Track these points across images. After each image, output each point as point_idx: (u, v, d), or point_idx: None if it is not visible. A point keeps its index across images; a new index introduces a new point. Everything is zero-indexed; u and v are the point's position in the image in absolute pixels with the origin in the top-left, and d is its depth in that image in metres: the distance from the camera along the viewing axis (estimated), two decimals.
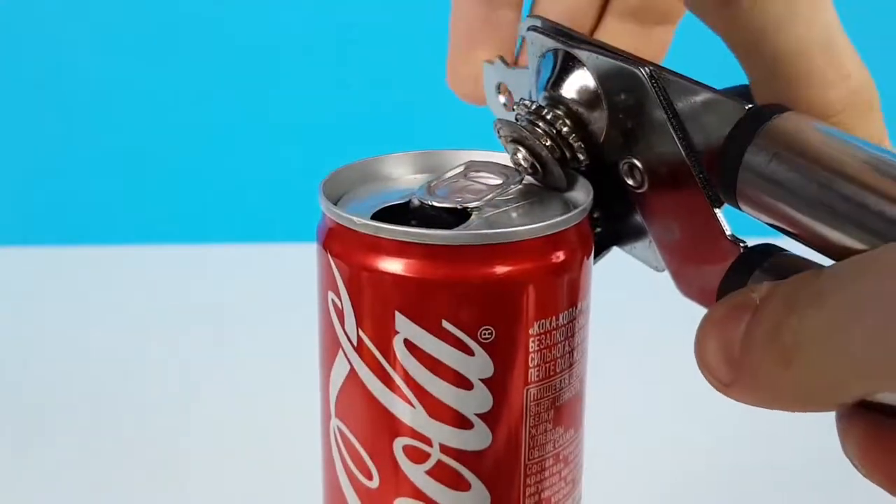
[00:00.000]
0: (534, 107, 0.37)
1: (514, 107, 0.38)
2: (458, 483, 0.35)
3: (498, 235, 0.33)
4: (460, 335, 0.33)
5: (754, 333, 0.28)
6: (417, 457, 0.35)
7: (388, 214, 0.36)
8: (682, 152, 0.33)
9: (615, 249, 0.39)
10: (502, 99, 0.41)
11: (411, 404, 0.34)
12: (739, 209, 0.32)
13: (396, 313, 0.33)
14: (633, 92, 0.34)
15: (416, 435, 0.34)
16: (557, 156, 0.36)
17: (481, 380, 0.34)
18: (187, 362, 0.73)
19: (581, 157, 0.36)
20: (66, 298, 0.84)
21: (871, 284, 0.25)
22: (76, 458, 0.62)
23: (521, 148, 0.37)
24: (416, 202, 0.36)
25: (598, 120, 0.36)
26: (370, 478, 0.36)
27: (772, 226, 0.31)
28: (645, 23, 0.40)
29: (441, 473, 0.35)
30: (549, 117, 0.36)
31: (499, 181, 0.37)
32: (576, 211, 0.35)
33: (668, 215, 0.35)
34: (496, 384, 0.34)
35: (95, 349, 0.75)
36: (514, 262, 0.33)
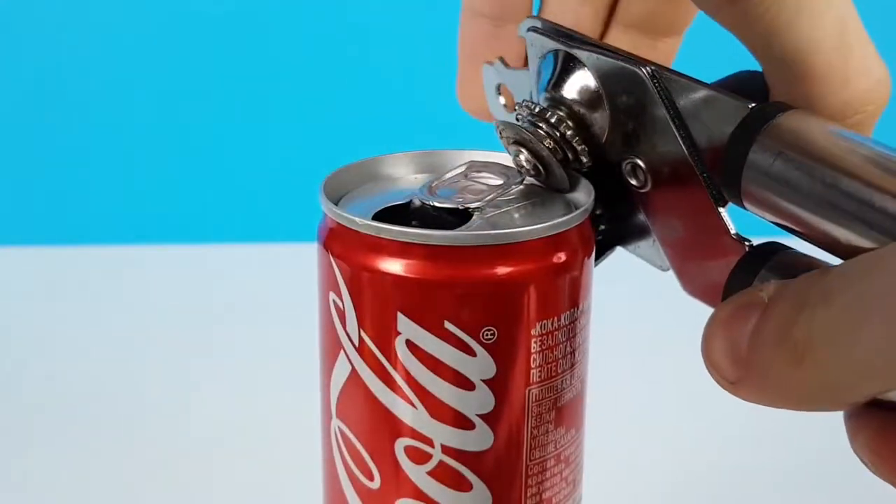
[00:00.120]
0: (535, 108, 0.37)
1: (516, 108, 0.38)
2: (459, 484, 0.35)
3: (501, 236, 0.33)
4: (462, 336, 0.33)
5: (763, 332, 0.28)
6: (419, 457, 0.35)
7: (389, 215, 0.36)
8: (685, 151, 0.33)
9: (619, 249, 0.39)
10: (502, 100, 0.41)
11: (413, 405, 0.34)
12: (743, 208, 0.32)
13: (398, 314, 0.33)
14: (635, 92, 0.34)
15: (417, 435, 0.34)
16: (559, 157, 0.36)
17: (483, 380, 0.34)
18: (187, 362, 0.73)
19: (583, 157, 0.36)
20: (66, 298, 0.84)
21: (879, 282, 0.25)
22: (76, 458, 0.62)
23: (522, 149, 0.37)
24: (417, 202, 0.36)
25: (600, 120, 0.35)
26: (371, 478, 0.36)
27: (776, 224, 0.31)
28: (650, 34, 0.40)
29: (443, 474, 0.35)
30: (550, 118, 0.36)
31: (500, 181, 0.37)
32: (577, 212, 0.35)
33: (671, 214, 0.35)
34: (498, 385, 0.34)
35: (95, 349, 0.75)
36: (516, 263, 0.33)
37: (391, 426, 0.35)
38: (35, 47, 0.99)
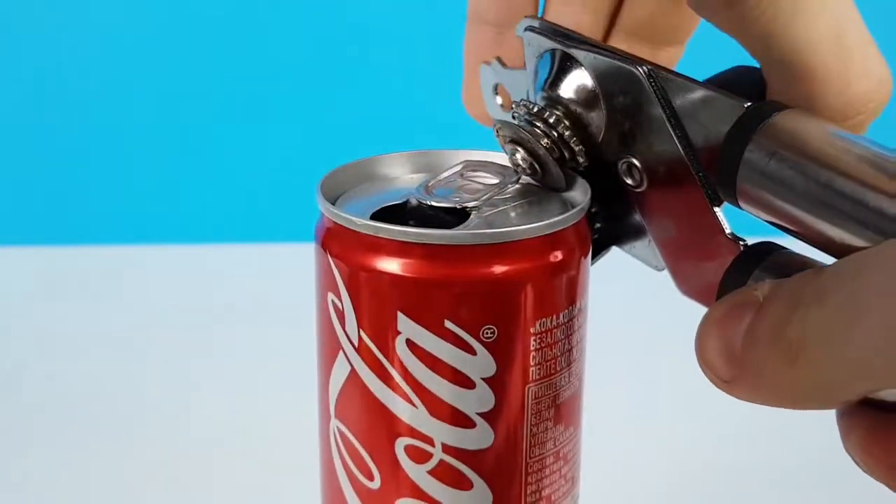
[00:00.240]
0: (532, 107, 0.37)
1: (513, 107, 0.38)
2: (460, 482, 0.35)
3: (502, 234, 0.33)
4: (462, 335, 0.33)
5: (757, 331, 0.28)
6: (419, 457, 0.35)
7: (386, 214, 0.36)
8: (681, 151, 0.33)
9: (614, 249, 0.39)
10: (499, 100, 0.42)
11: (413, 404, 0.34)
12: (739, 207, 0.32)
13: (398, 313, 0.33)
14: (631, 91, 0.34)
15: (417, 435, 0.34)
16: (556, 156, 0.36)
17: (483, 379, 0.34)
18: (187, 362, 0.73)
19: (579, 157, 0.36)
20: (66, 298, 0.84)
21: (873, 281, 0.25)
22: (76, 458, 0.62)
23: (519, 148, 0.37)
24: (413, 202, 0.36)
25: (597, 120, 0.36)
26: (371, 478, 0.36)
27: (771, 223, 0.31)
28: (651, 43, 0.40)
29: (443, 473, 0.35)
30: (547, 118, 0.36)
31: (496, 181, 0.37)
32: (574, 210, 0.35)
33: (667, 214, 0.35)
34: (498, 383, 0.34)
35: (95, 349, 0.75)
36: (516, 261, 0.33)
37: (391, 425, 0.35)
38: (35, 47, 0.99)
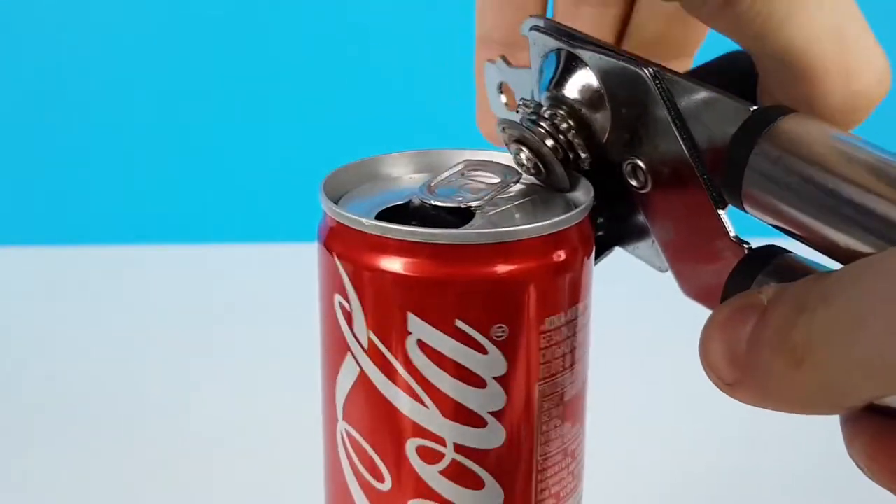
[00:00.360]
0: (537, 107, 0.37)
1: (517, 107, 0.38)
2: (471, 482, 0.35)
3: (515, 233, 0.33)
4: (474, 334, 0.33)
5: (762, 335, 0.28)
6: (431, 457, 0.35)
7: (389, 215, 0.36)
8: (686, 153, 0.33)
9: (617, 250, 0.39)
10: (504, 99, 0.41)
11: (425, 405, 0.34)
12: (744, 210, 0.32)
13: (409, 314, 0.33)
14: (637, 92, 0.34)
15: (429, 435, 0.34)
16: (560, 156, 0.36)
17: (494, 378, 0.34)
18: (187, 362, 0.73)
19: (584, 157, 0.36)
20: (66, 298, 0.84)
21: (879, 286, 0.25)
22: (76, 458, 0.62)
23: (524, 148, 0.37)
24: (417, 202, 0.36)
25: (601, 120, 0.35)
26: (381, 480, 0.35)
27: (776, 227, 0.31)
28: (660, 56, 0.40)
29: (455, 473, 0.35)
30: (552, 118, 0.36)
31: (497, 180, 0.37)
32: (579, 209, 0.35)
33: (671, 216, 0.35)
34: (509, 381, 0.34)
35: (95, 349, 0.75)
36: (527, 260, 0.33)
37: (402, 427, 0.35)
38: (35, 47, 0.99)
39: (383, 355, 0.34)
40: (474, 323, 0.33)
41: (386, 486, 0.35)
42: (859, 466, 0.28)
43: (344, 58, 0.99)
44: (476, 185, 0.37)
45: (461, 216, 0.35)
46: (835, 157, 0.29)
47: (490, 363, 0.34)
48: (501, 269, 0.33)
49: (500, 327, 0.33)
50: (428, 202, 0.36)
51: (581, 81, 0.36)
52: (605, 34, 0.39)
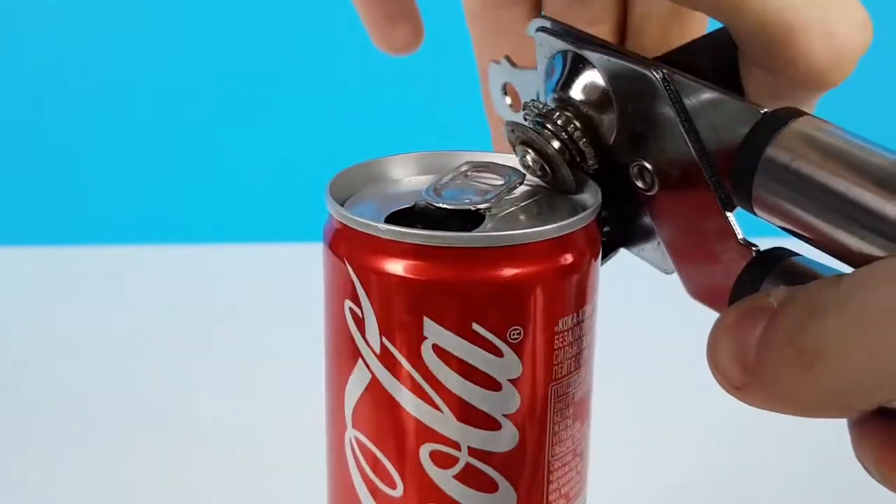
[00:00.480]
0: (543, 109, 0.36)
1: (523, 108, 0.37)
2: (485, 485, 0.35)
3: (532, 235, 0.33)
4: (490, 337, 0.33)
5: (771, 338, 0.28)
6: (445, 462, 0.34)
7: (395, 218, 0.36)
8: (695, 155, 0.33)
9: (622, 251, 0.39)
10: (508, 100, 0.41)
11: (439, 409, 0.34)
12: (753, 213, 0.32)
13: (425, 319, 0.33)
14: (645, 94, 0.34)
15: (443, 440, 0.34)
16: (566, 158, 0.36)
17: (509, 380, 0.34)
18: (187, 362, 0.73)
19: (590, 159, 0.36)
20: (66, 298, 0.84)
21: (891, 291, 0.25)
22: (76, 458, 0.62)
23: (530, 150, 0.37)
24: (424, 204, 0.36)
25: (608, 122, 0.35)
26: (394, 487, 0.35)
27: (786, 230, 0.31)
28: None
29: (469, 477, 0.35)
30: (557, 119, 0.36)
31: (502, 181, 0.37)
32: (588, 211, 0.35)
33: (678, 218, 0.35)
34: (523, 383, 0.34)
35: (95, 349, 0.75)
36: (545, 261, 0.33)
37: (416, 432, 0.34)
38: (35, 47, 0.99)
39: (397, 361, 0.34)
40: (491, 326, 0.33)
41: (398, 492, 0.35)
42: (867, 469, 0.28)
43: (343, 58, 0.99)
44: (481, 186, 0.37)
45: (469, 218, 0.35)
46: (847, 160, 0.29)
47: (505, 366, 0.34)
48: (520, 271, 0.33)
49: (515, 329, 0.33)
50: (435, 205, 0.35)
51: (588, 83, 0.36)
52: (605, 37, 0.39)
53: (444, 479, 0.35)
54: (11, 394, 0.69)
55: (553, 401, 0.35)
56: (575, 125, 0.36)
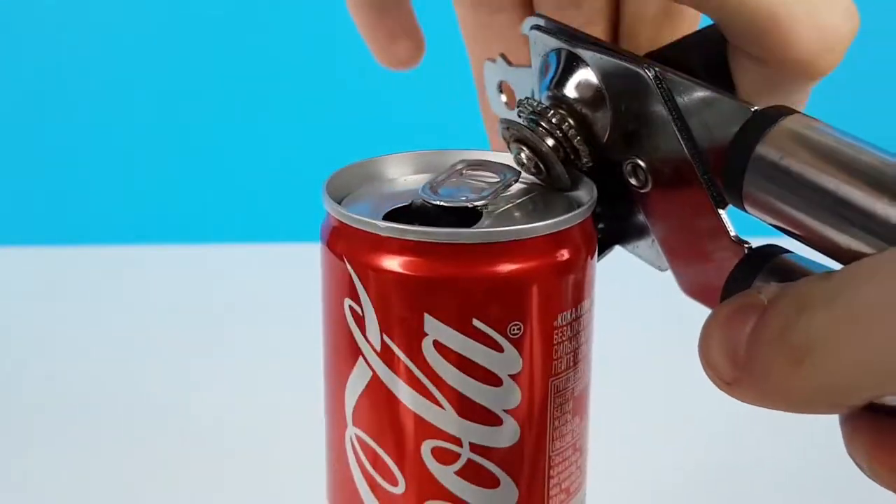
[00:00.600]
0: (537, 106, 0.37)
1: (517, 106, 0.38)
2: (487, 481, 0.35)
3: (532, 230, 0.33)
4: (491, 332, 0.33)
5: (762, 334, 0.28)
6: (446, 458, 0.35)
7: (392, 216, 0.36)
8: (687, 153, 0.33)
9: (616, 248, 0.39)
10: (504, 98, 0.41)
11: (440, 405, 0.34)
12: (744, 211, 0.32)
13: (426, 315, 0.33)
14: (638, 92, 0.34)
15: (444, 436, 0.34)
16: (561, 156, 0.36)
17: (510, 376, 0.34)
18: (187, 362, 0.73)
19: (584, 157, 0.36)
20: (67, 298, 0.84)
21: (882, 287, 0.25)
22: (76, 458, 0.62)
23: (524, 148, 0.37)
24: (421, 202, 0.36)
25: (602, 120, 0.35)
26: (395, 483, 0.35)
27: (777, 227, 0.31)
28: None
29: (471, 472, 0.35)
30: (552, 117, 0.36)
31: (497, 178, 0.37)
32: (585, 206, 0.35)
33: (671, 215, 0.35)
34: (524, 379, 0.34)
35: (95, 349, 0.75)
36: (544, 256, 0.34)
37: (417, 428, 0.34)
38: (35, 47, 0.99)
39: (398, 358, 0.34)
40: (492, 321, 0.33)
41: (399, 489, 0.35)
42: (858, 465, 0.28)
43: (340, 58, 0.99)
44: (477, 184, 0.37)
45: (466, 216, 0.35)
46: (836, 158, 0.29)
47: (506, 361, 0.34)
48: (520, 266, 0.33)
49: (515, 325, 0.33)
50: (432, 202, 0.35)
51: (581, 81, 0.36)
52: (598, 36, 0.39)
53: (446, 475, 0.35)
54: (11, 394, 0.69)
55: (553, 396, 0.35)
56: (569, 123, 0.36)
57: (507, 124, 0.37)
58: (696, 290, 0.36)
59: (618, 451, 0.60)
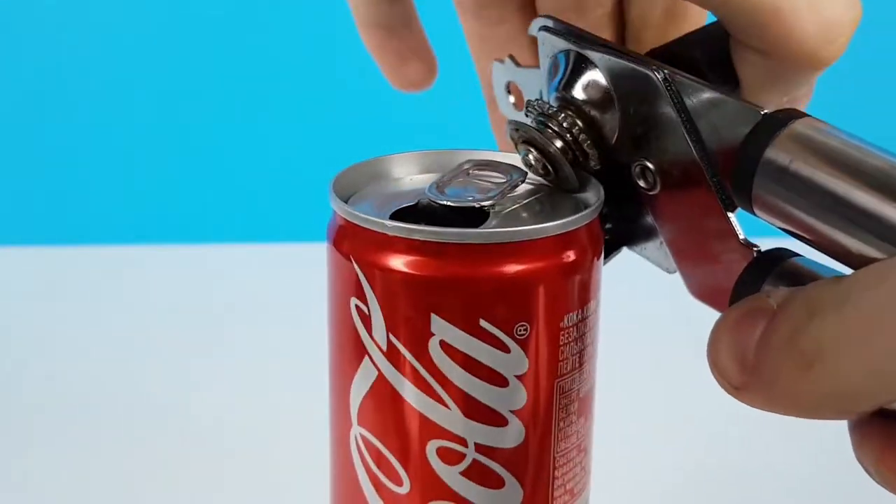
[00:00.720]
0: (545, 108, 0.37)
1: (525, 107, 0.37)
2: (492, 481, 0.35)
3: (541, 230, 0.33)
4: (497, 333, 0.33)
5: (771, 338, 0.28)
6: (452, 458, 0.35)
7: (399, 216, 0.36)
8: (696, 156, 0.33)
9: (624, 250, 0.39)
10: (512, 99, 0.41)
11: (446, 406, 0.34)
12: (753, 214, 0.32)
13: (432, 315, 0.33)
14: (647, 94, 0.34)
15: (450, 436, 0.34)
16: (569, 157, 0.36)
17: (516, 376, 0.34)
18: (187, 362, 0.73)
19: (592, 158, 0.36)
20: (67, 298, 0.84)
21: (891, 292, 0.25)
22: (76, 458, 0.62)
23: (532, 149, 0.37)
24: (427, 202, 0.36)
25: (610, 121, 0.35)
26: (399, 483, 0.35)
27: (786, 231, 0.31)
28: None
29: (476, 473, 0.35)
30: (560, 118, 0.36)
31: (504, 178, 0.37)
32: (592, 208, 0.35)
33: (680, 218, 0.35)
34: (530, 379, 0.34)
35: (95, 349, 0.75)
36: (551, 257, 0.34)
37: (423, 429, 0.34)
38: (35, 47, 0.99)
39: (404, 357, 0.34)
40: (499, 322, 0.33)
41: (404, 489, 0.35)
42: (867, 470, 0.28)
43: (342, 57, 0.98)
44: (484, 184, 0.37)
45: (473, 216, 0.35)
46: (846, 162, 0.29)
47: (512, 361, 0.34)
48: (527, 267, 0.33)
49: (522, 325, 0.33)
50: (438, 202, 0.35)
51: (590, 83, 0.36)
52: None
53: (451, 476, 0.35)
54: (11, 394, 0.69)
55: (558, 397, 0.35)
56: (577, 125, 0.36)
57: (516, 126, 0.37)
58: (704, 293, 0.36)
59: (623, 453, 0.60)
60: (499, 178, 0.37)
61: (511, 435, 0.35)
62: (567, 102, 0.36)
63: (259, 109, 1.00)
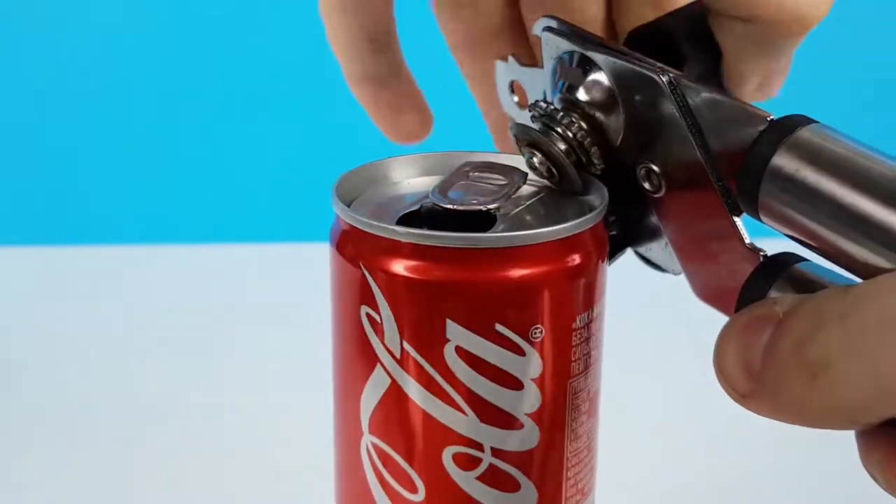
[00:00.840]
0: (549, 109, 0.36)
1: (529, 108, 0.37)
2: (508, 485, 0.35)
3: (556, 232, 0.33)
4: (513, 337, 0.33)
5: (777, 347, 0.27)
6: (468, 464, 0.34)
7: (404, 221, 0.35)
8: (702, 159, 0.33)
9: (628, 251, 0.39)
10: (515, 98, 0.41)
11: (463, 411, 0.34)
12: (759, 220, 0.32)
13: (448, 321, 0.33)
14: (652, 97, 0.34)
15: (466, 442, 0.34)
16: (573, 160, 0.36)
17: (531, 379, 0.34)
18: (187, 362, 0.73)
19: (596, 161, 0.36)
20: (66, 298, 0.84)
21: None
22: (76, 458, 0.62)
23: (536, 152, 0.36)
24: (431, 206, 0.36)
25: (615, 124, 0.35)
26: (414, 491, 0.35)
27: (792, 238, 0.31)
28: None
29: (492, 477, 0.35)
30: (564, 121, 0.36)
31: (506, 181, 0.37)
32: (597, 210, 0.35)
33: (685, 221, 0.35)
34: (544, 382, 0.34)
35: (95, 349, 0.75)
36: (564, 259, 0.34)
37: (439, 435, 0.34)
38: (35, 47, 0.99)
39: (419, 364, 0.34)
40: (515, 325, 0.33)
41: (419, 496, 0.35)
42: (874, 478, 0.28)
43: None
44: (487, 187, 0.36)
45: (479, 219, 0.35)
46: (854, 170, 0.29)
47: (527, 365, 0.34)
48: (543, 269, 0.33)
49: (537, 328, 0.33)
50: (443, 206, 0.35)
51: (594, 84, 0.35)
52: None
53: (467, 481, 0.35)
54: (11, 394, 0.69)
55: (570, 398, 0.35)
56: (581, 127, 0.36)
57: (519, 128, 0.37)
58: (709, 295, 0.35)
59: (626, 454, 0.60)
60: (500, 180, 0.37)
61: (526, 437, 0.35)
62: (571, 104, 0.36)
63: (259, 110, 1.00)
